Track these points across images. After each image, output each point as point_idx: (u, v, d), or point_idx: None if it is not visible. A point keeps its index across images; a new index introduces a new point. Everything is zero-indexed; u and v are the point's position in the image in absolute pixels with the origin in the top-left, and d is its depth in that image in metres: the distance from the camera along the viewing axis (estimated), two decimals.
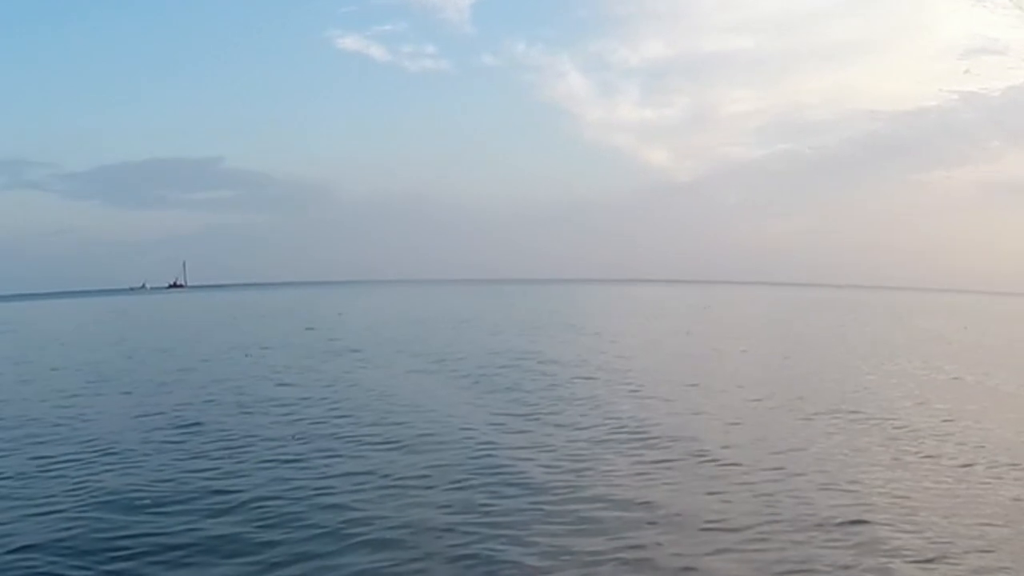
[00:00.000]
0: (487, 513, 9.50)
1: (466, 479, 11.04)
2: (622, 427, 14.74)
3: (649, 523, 9.12)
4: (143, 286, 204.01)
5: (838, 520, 9.08)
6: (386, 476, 11.30)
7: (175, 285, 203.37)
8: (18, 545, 8.43)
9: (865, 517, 9.18)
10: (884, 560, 7.87)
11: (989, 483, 10.98)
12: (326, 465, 11.94)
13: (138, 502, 9.98)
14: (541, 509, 9.64)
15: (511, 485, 10.68)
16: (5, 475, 11.61)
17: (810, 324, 50.86)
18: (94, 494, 10.36)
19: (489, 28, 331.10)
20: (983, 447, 13.15)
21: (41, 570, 7.90)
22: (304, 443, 13.58)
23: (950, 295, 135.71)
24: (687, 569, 7.77)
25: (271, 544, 8.48)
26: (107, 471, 11.70)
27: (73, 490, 10.57)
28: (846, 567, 7.73)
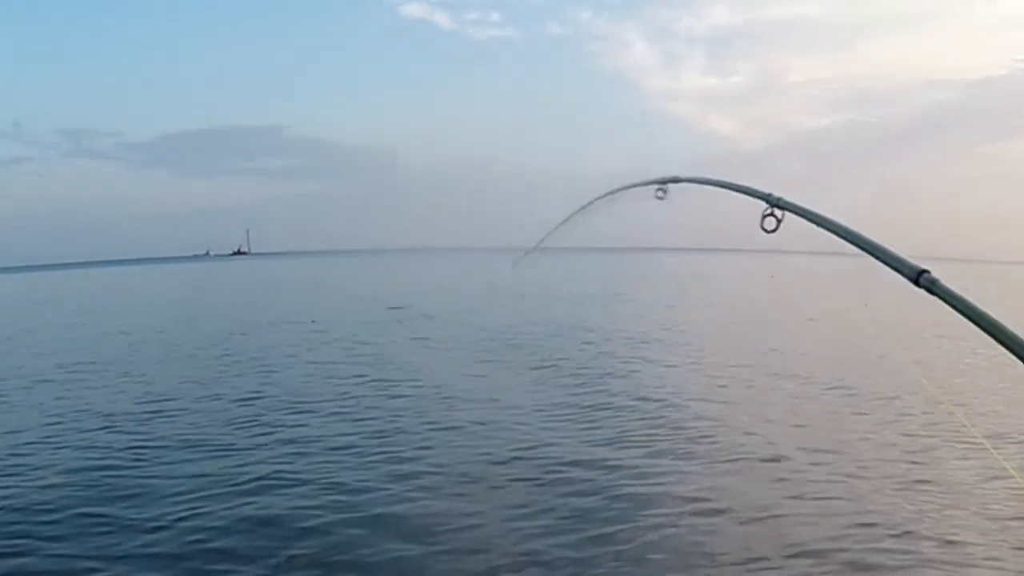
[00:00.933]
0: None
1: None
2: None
3: None
4: (207, 253, 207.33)
5: None
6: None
7: (239, 252, 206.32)
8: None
9: None
10: None
11: None
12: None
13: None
14: None
15: None
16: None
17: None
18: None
19: None
20: None
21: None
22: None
23: (1016, 268, 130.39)
24: None
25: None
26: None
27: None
28: None
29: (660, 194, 6.22)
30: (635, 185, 6.77)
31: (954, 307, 2.85)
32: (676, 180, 5.95)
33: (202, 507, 8.15)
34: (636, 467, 9.45)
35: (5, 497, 8.50)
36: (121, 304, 43.00)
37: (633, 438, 10.94)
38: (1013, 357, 2.66)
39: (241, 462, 9.82)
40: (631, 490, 8.58)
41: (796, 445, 10.49)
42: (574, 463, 9.60)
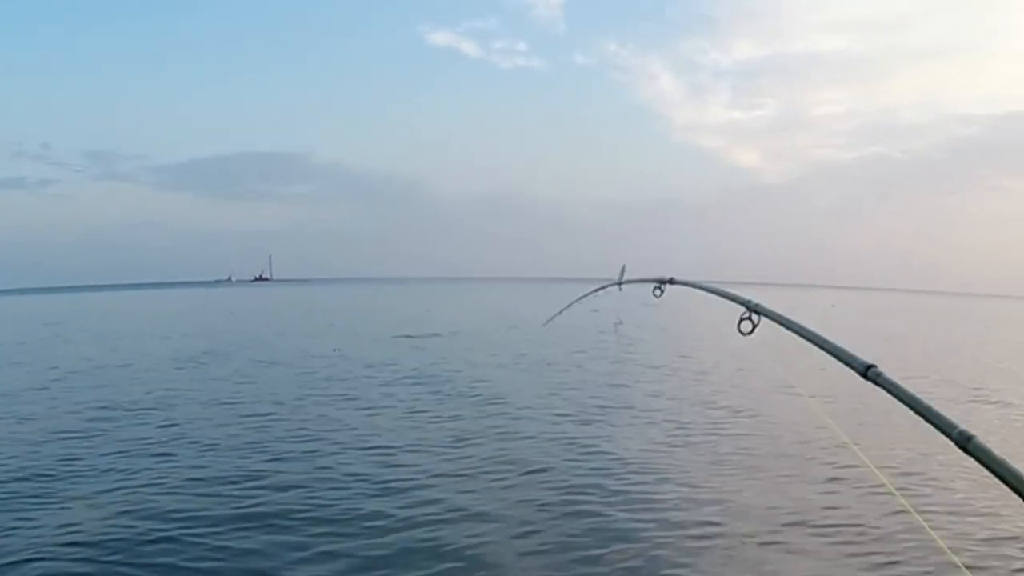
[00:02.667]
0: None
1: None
2: None
3: None
4: (229, 279, 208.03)
5: None
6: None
7: (260, 278, 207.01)
8: None
9: None
10: None
11: None
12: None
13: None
14: None
15: None
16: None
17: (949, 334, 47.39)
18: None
19: (581, 27, 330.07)
20: None
21: None
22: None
23: None
24: None
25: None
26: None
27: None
28: None
29: (657, 293, 7.35)
30: (640, 280, 8.20)
31: (898, 397, 3.18)
32: (672, 282, 7.09)
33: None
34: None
35: None
36: (137, 329, 42.16)
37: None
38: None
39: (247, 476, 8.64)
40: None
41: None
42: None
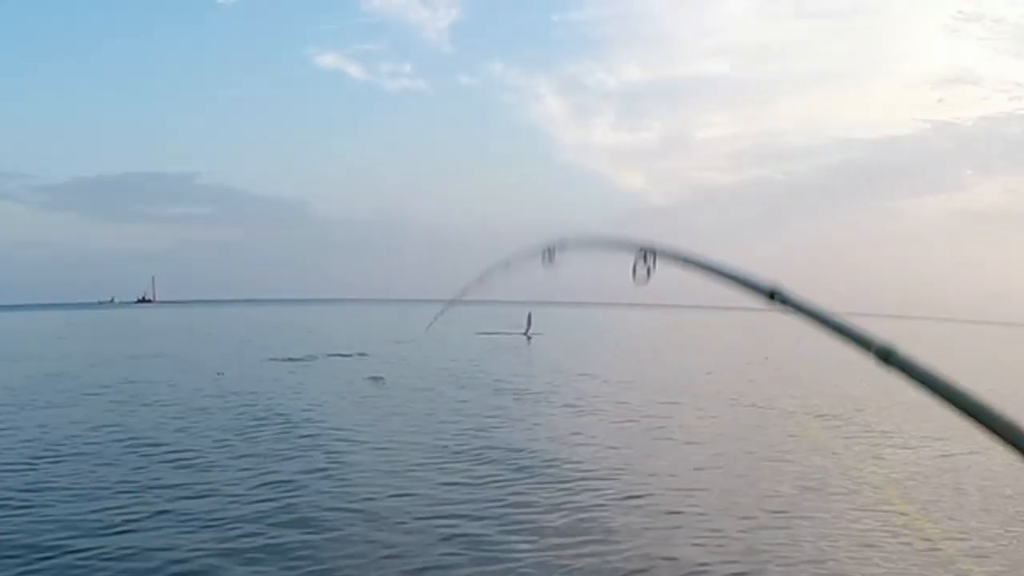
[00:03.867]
0: None
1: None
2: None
3: None
4: (112, 300, 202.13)
5: None
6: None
7: (144, 300, 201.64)
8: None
9: None
10: None
11: None
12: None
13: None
14: None
15: None
16: None
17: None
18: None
19: (467, 48, 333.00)
20: None
21: None
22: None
23: (919, 322, 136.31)
24: None
25: None
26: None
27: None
28: None
29: (547, 261, 5.82)
30: (523, 254, 6.47)
31: (807, 314, 2.74)
32: (561, 247, 5.64)
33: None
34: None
35: None
36: (14, 352, 41.86)
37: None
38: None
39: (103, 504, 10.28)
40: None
41: None
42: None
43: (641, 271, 3.54)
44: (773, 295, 2.88)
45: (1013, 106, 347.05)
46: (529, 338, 47.36)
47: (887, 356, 2.20)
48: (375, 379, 26.12)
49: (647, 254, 3.53)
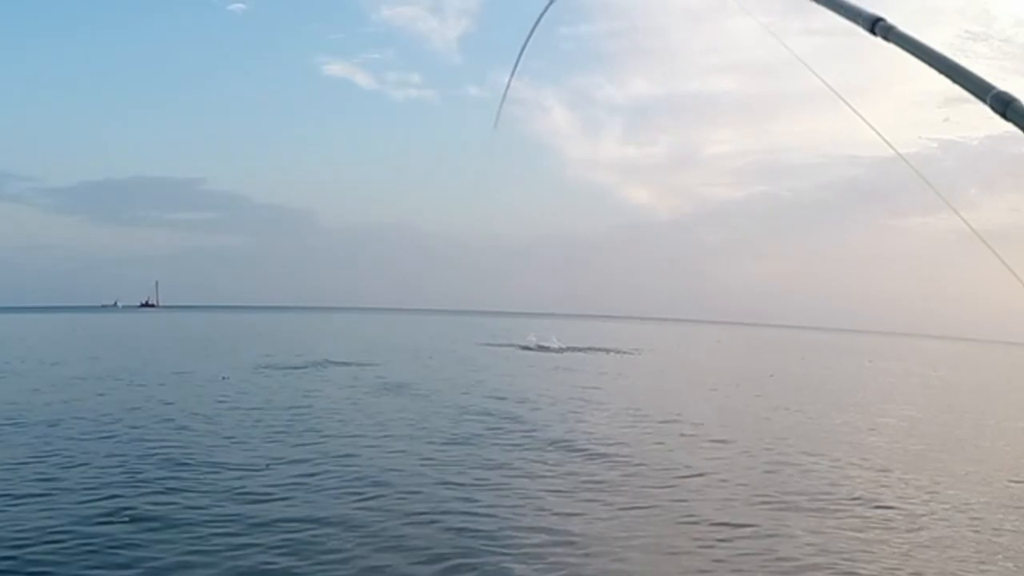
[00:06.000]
0: None
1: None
2: None
3: None
4: (115, 304, 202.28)
5: None
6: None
7: (147, 304, 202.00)
8: None
9: None
10: None
11: None
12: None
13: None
14: None
15: None
16: None
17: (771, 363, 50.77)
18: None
19: (475, 59, 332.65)
20: None
21: None
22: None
23: (921, 340, 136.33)
24: None
25: None
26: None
27: None
28: None
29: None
30: None
31: (913, 53, 2.58)
32: None
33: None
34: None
35: None
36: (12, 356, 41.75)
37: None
38: None
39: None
40: None
41: None
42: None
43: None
44: (874, 27, 2.72)
45: None
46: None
47: (1004, 108, 2.24)
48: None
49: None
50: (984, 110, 2.32)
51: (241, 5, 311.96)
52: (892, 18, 2.70)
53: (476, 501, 11.38)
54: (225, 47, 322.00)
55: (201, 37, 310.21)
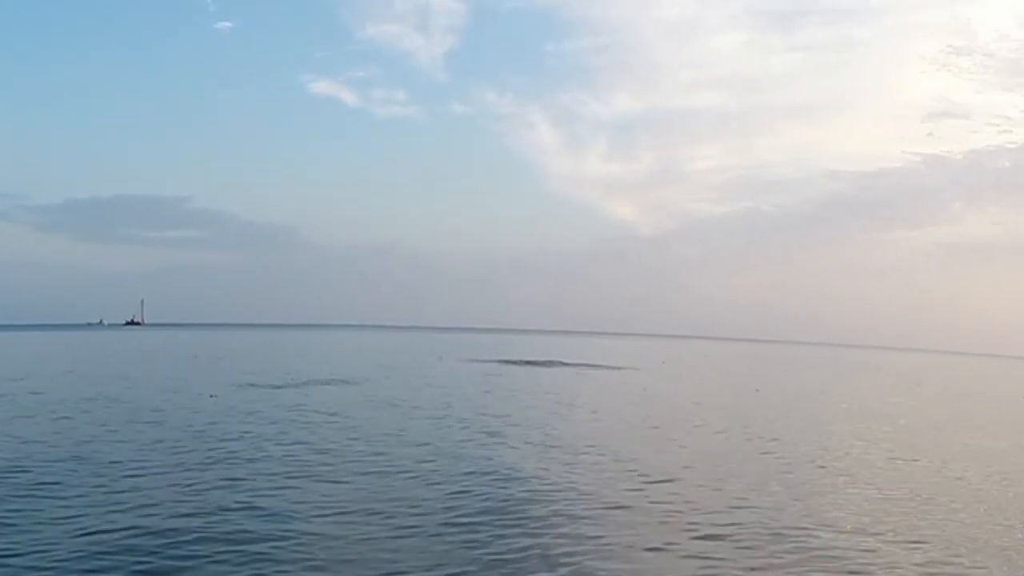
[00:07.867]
0: None
1: None
2: None
3: None
4: (100, 322, 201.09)
5: None
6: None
7: (132, 322, 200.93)
8: None
9: None
10: None
11: None
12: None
13: None
14: None
15: None
16: None
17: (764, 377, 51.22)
18: None
19: (460, 76, 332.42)
20: None
21: None
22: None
23: (909, 354, 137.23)
24: None
25: None
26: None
27: None
28: None
29: None
30: None
31: None
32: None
33: None
34: None
35: None
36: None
37: None
38: None
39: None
40: None
41: None
42: None
43: None
44: None
45: (1003, 139, 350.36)
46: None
47: None
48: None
49: None
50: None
51: (228, 23, 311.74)
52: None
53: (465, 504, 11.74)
54: (212, 65, 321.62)
55: (188, 55, 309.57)
